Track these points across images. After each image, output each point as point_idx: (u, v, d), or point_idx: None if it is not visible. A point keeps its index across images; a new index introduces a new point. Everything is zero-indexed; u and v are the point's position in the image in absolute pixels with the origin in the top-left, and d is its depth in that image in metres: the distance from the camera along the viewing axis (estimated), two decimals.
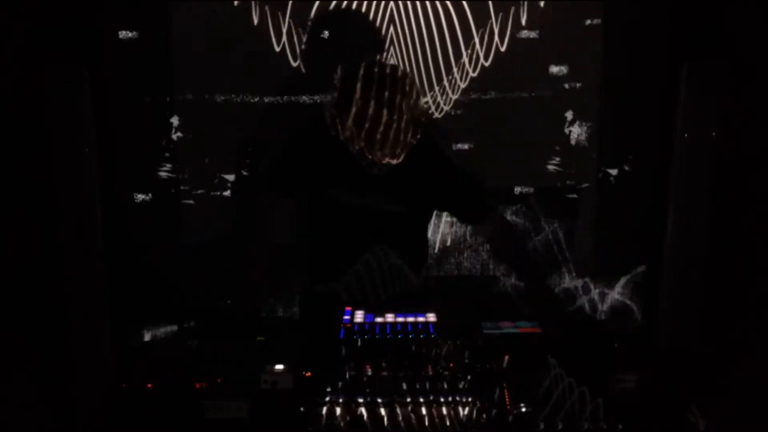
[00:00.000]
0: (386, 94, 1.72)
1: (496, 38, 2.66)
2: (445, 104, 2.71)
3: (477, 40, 2.65)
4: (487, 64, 2.68)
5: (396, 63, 1.94)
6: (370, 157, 1.79)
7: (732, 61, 2.44)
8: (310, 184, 2.01)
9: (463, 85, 2.70)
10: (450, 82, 2.69)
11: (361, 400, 1.26)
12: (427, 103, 2.66)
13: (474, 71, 2.69)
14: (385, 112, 1.71)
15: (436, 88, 2.70)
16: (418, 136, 1.85)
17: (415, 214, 2.04)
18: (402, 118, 1.74)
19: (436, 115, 2.69)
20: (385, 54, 2.63)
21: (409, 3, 2.61)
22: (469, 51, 2.66)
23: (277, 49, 2.66)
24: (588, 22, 2.67)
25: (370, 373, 1.36)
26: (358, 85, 1.73)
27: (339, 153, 1.87)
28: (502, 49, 2.66)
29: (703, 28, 2.52)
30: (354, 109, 1.72)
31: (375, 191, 1.93)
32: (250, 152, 2.74)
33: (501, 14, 2.64)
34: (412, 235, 2.08)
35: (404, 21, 2.64)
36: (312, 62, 2.66)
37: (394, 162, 1.82)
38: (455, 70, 2.68)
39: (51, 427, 2.43)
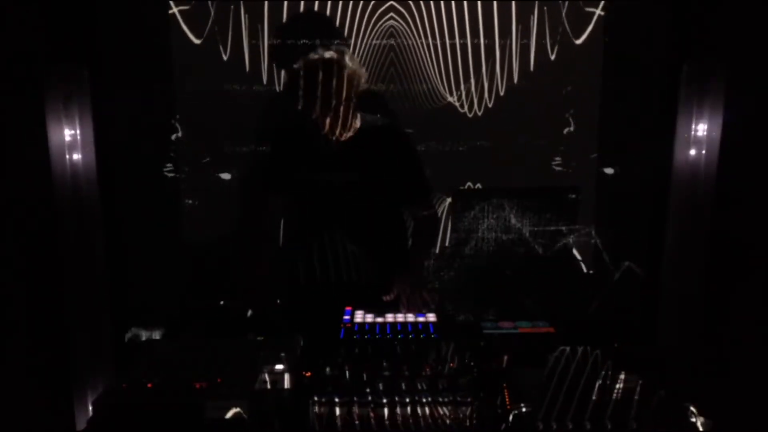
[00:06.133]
0: (325, 79, 2.00)
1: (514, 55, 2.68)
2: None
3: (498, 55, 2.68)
4: (502, 92, 2.73)
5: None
6: (332, 136, 2.06)
7: (731, 62, 2.44)
8: (295, 178, 2.09)
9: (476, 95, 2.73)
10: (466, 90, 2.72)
11: (361, 400, 1.26)
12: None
13: (489, 98, 2.72)
14: (317, 79, 2.01)
15: (455, 93, 2.72)
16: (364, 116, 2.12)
17: (381, 200, 2.16)
18: (342, 96, 2.01)
19: (477, 113, 2.74)
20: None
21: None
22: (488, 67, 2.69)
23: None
24: (588, 23, 2.68)
25: (370, 373, 1.36)
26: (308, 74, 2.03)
27: (309, 140, 2.11)
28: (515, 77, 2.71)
29: (703, 29, 2.52)
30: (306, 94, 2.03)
31: (338, 167, 2.10)
32: (247, 152, 2.75)
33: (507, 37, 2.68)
34: (380, 225, 2.18)
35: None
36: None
37: (348, 134, 2.08)
38: (472, 81, 2.71)
39: (51, 426, 2.43)
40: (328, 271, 2.14)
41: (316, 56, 2.08)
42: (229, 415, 1.25)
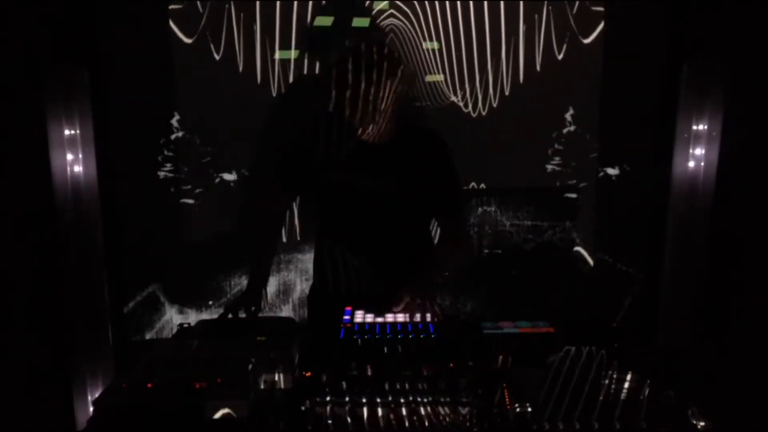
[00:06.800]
0: (371, 71, 1.80)
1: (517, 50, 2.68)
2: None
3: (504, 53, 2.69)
4: (507, 92, 2.72)
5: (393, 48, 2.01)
6: (359, 133, 1.87)
7: (731, 62, 2.45)
8: (315, 175, 2.01)
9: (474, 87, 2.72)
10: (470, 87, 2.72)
11: (361, 400, 1.26)
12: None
13: (494, 98, 2.71)
14: (365, 87, 1.80)
15: (459, 93, 2.72)
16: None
17: (410, 211, 2.03)
18: (383, 93, 1.82)
19: (483, 112, 2.73)
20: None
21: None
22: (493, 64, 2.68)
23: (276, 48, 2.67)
24: (598, 23, 2.68)
25: (370, 373, 1.36)
26: (348, 66, 1.82)
27: (337, 139, 1.95)
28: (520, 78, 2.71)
29: (703, 29, 2.52)
30: (341, 85, 1.81)
31: (370, 173, 1.96)
32: (252, 150, 2.75)
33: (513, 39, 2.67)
34: (405, 236, 2.06)
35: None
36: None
37: (384, 138, 1.90)
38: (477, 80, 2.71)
39: (51, 426, 2.43)
40: (348, 276, 2.05)
41: (370, 47, 1.84)
42: (218, 415, 1.24)
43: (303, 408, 1.26)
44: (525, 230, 2.83)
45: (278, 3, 2.63)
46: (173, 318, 2.81)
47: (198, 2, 2.61)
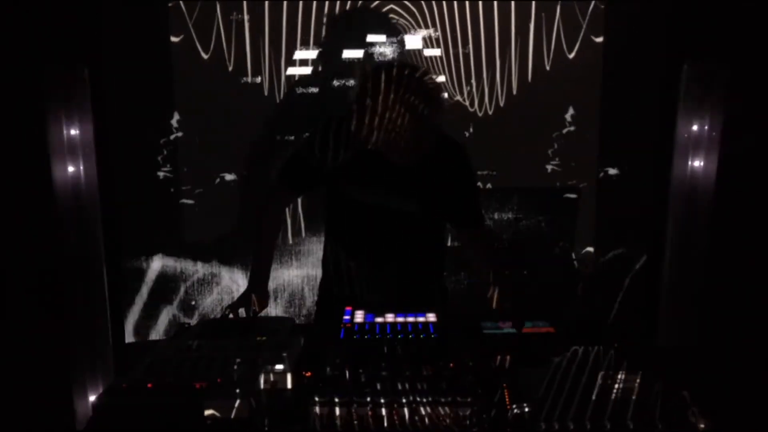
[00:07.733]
0: (398, 95, 1.67)
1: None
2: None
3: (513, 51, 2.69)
4: (515, 92, 2.72)
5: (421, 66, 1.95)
6: (386, 157, 1.81)
7: (731, 62, 2.45)
8: (326, 180, 1.99)
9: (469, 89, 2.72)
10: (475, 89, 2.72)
11: (360, 401, 1.26)
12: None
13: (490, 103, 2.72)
14: (391, 112, 1.67)
15: (465, 92, 2.72)
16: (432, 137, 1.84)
17: (431, 224, 2.03)
18: (407, 116, 1.68)
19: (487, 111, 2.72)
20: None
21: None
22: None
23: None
24: (589, 23, 2.68)
25: (370, 373, 1.36)
26: (373, 85, 1.69)
27: (354, 148, 1.87)
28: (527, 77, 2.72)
29: (703, 29, 2.52)
30: (368, 107, 1.68)
31: (390, 188, 1.92)
32: (256, 150, 2.75)
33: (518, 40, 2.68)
34: (421, 250, 2.04)
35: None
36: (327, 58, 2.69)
37: (392, 154, 1.80)
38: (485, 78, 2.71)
39: (51, 426, 2.43)
40: (355, 283, 2.03)
41: (391, 70, 1.68)
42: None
43: (302, 408, 1.26)
44: (525, 230, 2.83)
45: (266, 3, 2.63)
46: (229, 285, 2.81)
47: (181, 2, 2.60)
